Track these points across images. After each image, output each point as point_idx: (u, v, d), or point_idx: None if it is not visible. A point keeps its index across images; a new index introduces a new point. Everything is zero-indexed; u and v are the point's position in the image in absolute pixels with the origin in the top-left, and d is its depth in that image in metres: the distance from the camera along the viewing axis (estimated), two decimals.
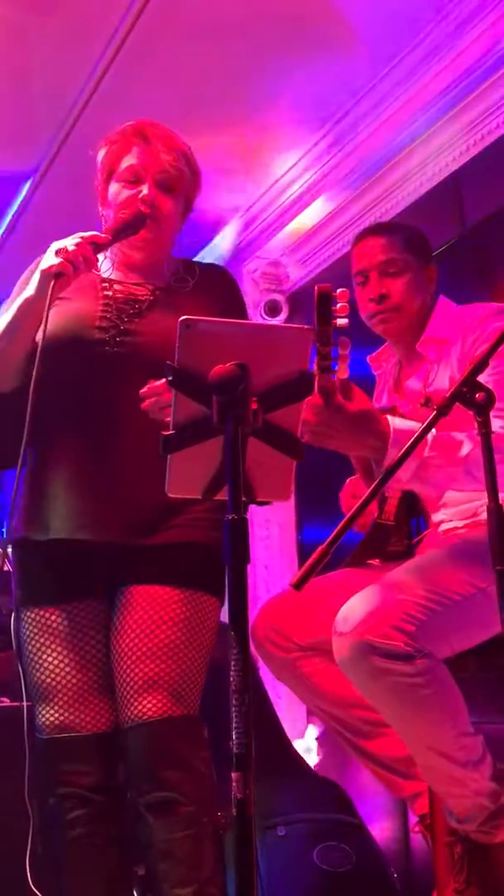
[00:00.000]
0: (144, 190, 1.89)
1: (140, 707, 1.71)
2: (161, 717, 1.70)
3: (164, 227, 1.92)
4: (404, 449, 1.48)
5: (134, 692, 1.73)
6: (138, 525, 1.79)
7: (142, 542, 1.79)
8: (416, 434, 1.49)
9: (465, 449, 1.77)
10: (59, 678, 1.80)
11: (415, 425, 1.79)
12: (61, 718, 1.80)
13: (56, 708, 1.80)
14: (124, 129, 1.95)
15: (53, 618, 1.82)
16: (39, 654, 1.82)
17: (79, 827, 1.77)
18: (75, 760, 1.79)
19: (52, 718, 1.80)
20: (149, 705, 1.71)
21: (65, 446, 1.84)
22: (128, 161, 1.92)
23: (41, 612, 1.83)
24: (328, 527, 1.48)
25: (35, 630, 1.83)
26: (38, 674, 1.82)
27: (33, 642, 1.83)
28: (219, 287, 1.98)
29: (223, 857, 1.71)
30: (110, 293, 1.91)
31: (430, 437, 1.76)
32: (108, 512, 1.79)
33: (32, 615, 1.84)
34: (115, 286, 1.93)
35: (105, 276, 1.95)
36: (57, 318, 1.82)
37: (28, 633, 1.84)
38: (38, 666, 1.82)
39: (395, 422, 1.77)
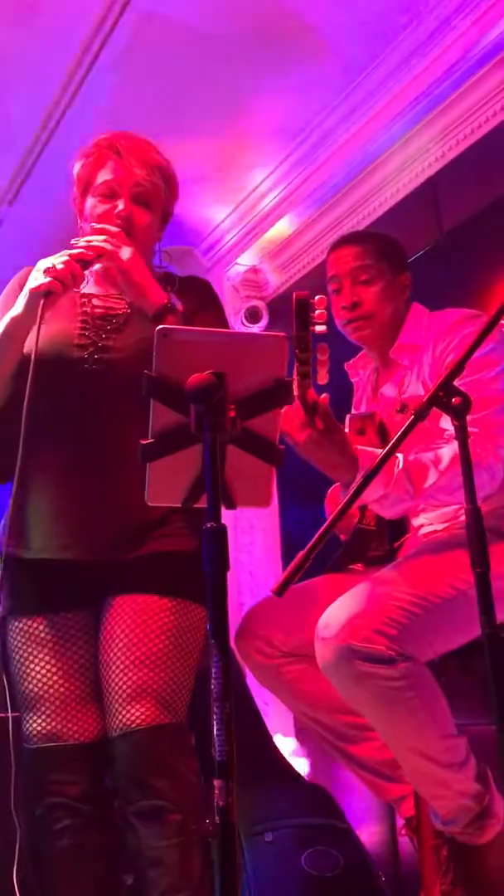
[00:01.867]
0: (120, 206, 1.90)
1: (128, 715, 1.71)
2: (149, 726, 1.70)
3: (140, 239, 1.92)
4: (364, 475, 1.54)
5: (122, 701, 1.72)
6: (123, 541, 1.79)
7: (127, 556, 1.79)
8: (385, 451, 1.54)
9: (431, 479, 1.83)
10: (45, 687, 1.81)
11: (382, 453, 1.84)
12: (48, 727, 1.79)
13: (43, 717, 1.80)
14: (98, 142, 1.96)
15: (40, 627, 1.83)
16: (26, 663, 1.82)
17: (66, 837, 1.77)
18: (62, 770, 1.79)
19: (39, 727, 1.80)
20: (137, 714, 1.71)
21: (47, 465, 1.84)
22: (103, 176, 1.93)
23: (27, 622, 1.84)
24: (313, 532, 1.50)
25: (21, 640, 1.84)
26: (25, 683, 1.82)
27: (20, 652, 1.83)
28: (193, 290, 1.98)
29: (211, 865, 1.71)
30: (88, 309, 1.91)
31: (397, 467, 1.82)
32: (91, 531, 1.80)
33: (19, 625, 1.84)
34: (94, 301, 1.93)
35: (84, 290, 1.95)
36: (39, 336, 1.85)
37: (15, 643, 1.84)
38: (25, 675, 1.82)
39: (365, 452, 1.82)
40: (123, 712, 1.72)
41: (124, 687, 1.73)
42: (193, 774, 1.74)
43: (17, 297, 1.85)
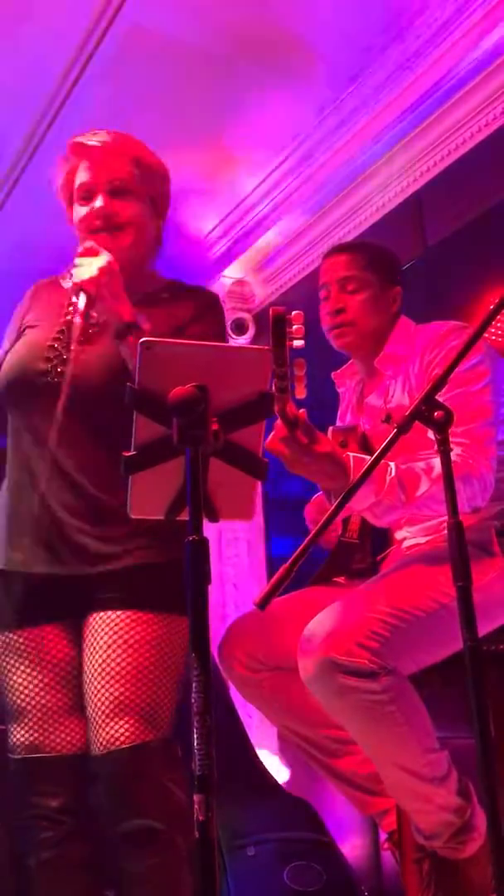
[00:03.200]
0: (97, 203, 1.88)
1: (110, 732, 1.68)
2: (132, 745, 1.67)
3: (129, 232, 1.88)
4: (356, 480, 1.54)
5: (104, 716, 1.69)
6: (92, 555, 1.76)
7: (101, 568, 1.76)
8: (370, 461, 1.53)
9: (423, 487, 1.83)
10: (27, 699, 1.79)
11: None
12: (31, 738, 1.78)
13: (25, 728, 1.79)
14: (70, 147, 1.93)
15: (21, 640, 1.81)
16: (9, 675, 1.81)
17: (48, 849, 1.74)
18: (43, 781, 1.77)
19: (21, 739, 1.78)
20: (119, 731, 1.67)
21: (18, 478, 1.85)
22: (79, 179, 1.91)
23: (8, 635, 1.83)
24: (298, 544, 1.50)
25: (3, 652, 1.83)
26: (8, 695, 1.81)
27: (3, 665, 1.82)
28: (193, 299, 1.92)
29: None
30: (69, 317, 1.86)
31: (389, 475, 1.80)
32: (58, 546, 1.78)
33: (11, 637, 1.83)
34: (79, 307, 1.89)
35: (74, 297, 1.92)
36: (18, 347, 1.87)
37: (10, 654, 1.83)
38: (8, 687, 1.81)
39: (355, 459, 1.81)
40: (106, 728, 1.68)
41: (106, 702, 1.70)
42: (181, 790, 1.70)
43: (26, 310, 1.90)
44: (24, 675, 1.80)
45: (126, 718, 1.67)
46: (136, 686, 1.69)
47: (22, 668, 1.80)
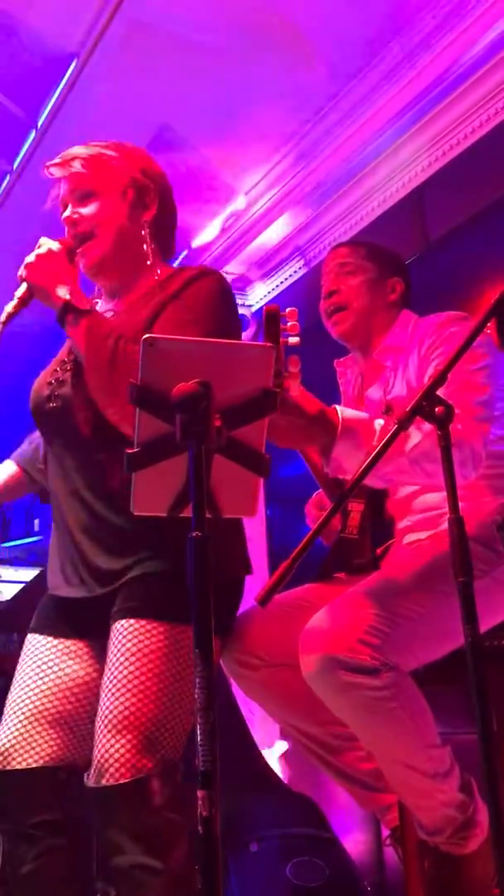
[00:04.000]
0: (66, 212, 1.86)
1: (106, 748, 1.57)
2: (116, 785, 1.54)
3: (100, 237, 1.83)
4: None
5: (104, 731, 1.59)
6: (105, 573, 1.74)
7: (114, 585, 1.72)
8: (370, 459, 1.52)
9: (413, 440, 1.77)
10: (19, 700, 1.74)
11: (362, 415, 1.81)
12: (5, 745, 1.70)
13: (6, 732, 1.72)
14: (47, 172, 1.90)
15: (38, 644, 1.80)
16: (19, 675, 1.79)
17: (27, 864, 1.66)
18: (12, 796, 1.69)
19: None
20: (112, 752, 1.56)
21: (54, 508, 1.89)
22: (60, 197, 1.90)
23: (35, 638, 1.82)
24: (300, 539, 1.50)
25: (25, 653, 1.82)
26: (10, 695, 1.78)
27: (21, 665, 1.81)
28: (180, 279, 1.81)
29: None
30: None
31: (377, 426, 1.77)
32: (80, 569, 1.78)
33: (29, 640, 1.83)
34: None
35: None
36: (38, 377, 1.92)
37: (22, 656, 1.83)
38: (13, 687, 1.79)
39: (345, 412, 1.77)
40: (104, 743, 1.58)
41: (107, 714, 1.60)
42: (176, 817, 1.57)
43: None
44: (27, 677, 1.77)
45: (125, 735, 1.57)
46: (139, 700, 1.59)
47: (28, 670, 1.78)
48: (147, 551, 1.71)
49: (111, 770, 1.56)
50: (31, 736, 1.71)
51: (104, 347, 1.66)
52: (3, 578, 3.54)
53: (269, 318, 1.58)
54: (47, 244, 1.77)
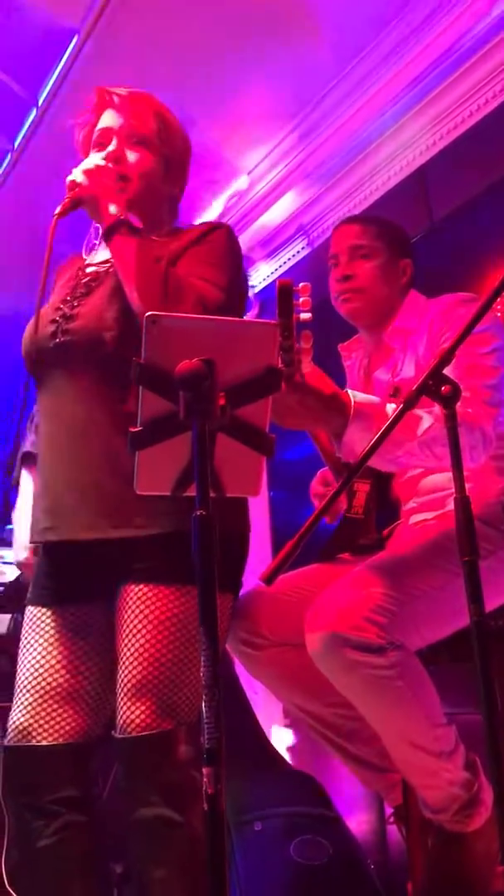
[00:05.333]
0: (111, 146, 1.85)
1: (127, 715, 1.62)
2: (144, 734, 1.60)
3: (138, 183, 1.85)
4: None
5: (123, 697, 1.63)
6: (105, 514, 1.69)
7: (121, 533, 1.68)
8: (382, 429, 1.50)
9: (425, 424, 1.77)
10: (31, 678, 1.74)
11: (374, 399, 1.80)
12: (23, 722, 1.72)
13: (21, 710, 1.73)
14: (96, 93, 1.92)
15: (43, 617, 1.78)
16: (24, 652, 1.78)
17: (44, 839, 1.67)
18: (31, 772, 1.71)
19: (15, 721, 1.73)
20: (134, 715, 1.61)
21: (41, 448, 1.84)
22: (100, 125, 1.89)
23: (35, 611, 1.80)
24: (303, 521, 1.49)
25: (27, 627, 1.80)
26: (19, 672, 1.77)
27: (24, 639, 1.79)
28: (199, 230, 1.85)
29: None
30: (79, 280, 1.86)
31: (389, 410, 1.76)
32: (70, 510, 1.73)
33: (29, 613, 1.81)
34: (89, 268, 1.88)
35: (88, 259, 1.91)
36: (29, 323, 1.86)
37: (24, 630, 1.80)
38: (21, 664, 1.77)
39: (357, 396, 1.76)
40: (124, 709, 1.63)
41: (125, 682, 1.64)
42: (198, 777, 1.56)
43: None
44: (35, 654, 1.76)
45: (142, 702, 1.61)
46: (154, 668, 1.62)
47: (36, 645, 1.76)
48: (162, 505, 1.61)
49: (134, 728, 1.61)
50: (48, 713, 1.72)
51: (157, 269, 1.69)
52: (5, 560, 3.55)
53: (283, 292, 1.56)
54: (95, 160, 1.78)
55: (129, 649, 1.65)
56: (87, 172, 1.76)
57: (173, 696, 1.63)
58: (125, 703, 1.63)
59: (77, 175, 1.76)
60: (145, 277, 1.68)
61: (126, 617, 1.67)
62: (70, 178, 1.75)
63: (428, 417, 1.76)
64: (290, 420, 1.72)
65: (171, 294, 1.65)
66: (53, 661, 1.75)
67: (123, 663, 1.65)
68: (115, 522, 1.69)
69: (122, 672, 1.65)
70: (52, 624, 1.77)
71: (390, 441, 1.70)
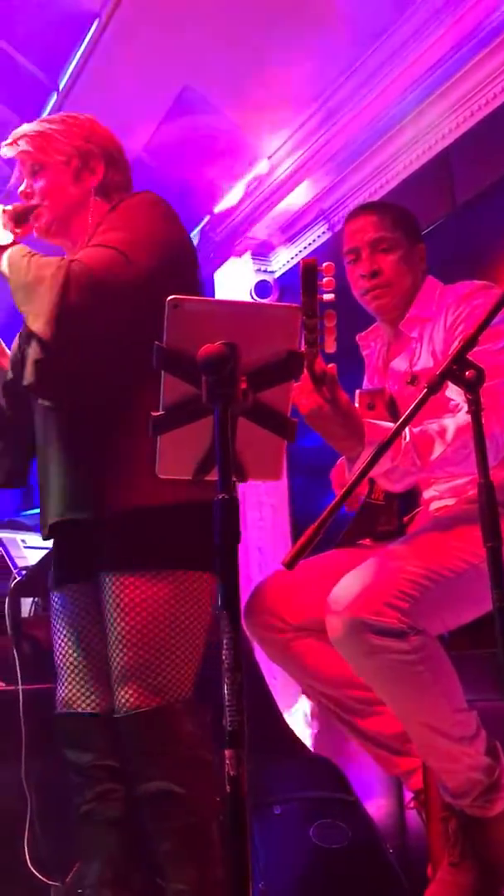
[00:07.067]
0: (21, 186, 1.98)
1: (118, 698, 1.76)
2: (134, 711, 1.72)
3: (49, 203, 1.94)
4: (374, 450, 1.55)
5: (114, 685, 1.77)
6: (80, 497, 1.81)
7: (93, 514, 1.79)
8: (398, 424, 1.52)
9: (437, 451, 1.80)
10: (62, 658, 1.90)
11: (390, 426, 1.80)
12: (65, 695, 1.87)
13: (62, 685, 1.88)
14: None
15: (57, 602, 1.94)
16: (53, 635, 1.94)
17: (85, 803, 1.81)
18: (75, 737, 1.85)
19: (60, 694, 1.88)
20: (123, 701, 1.74)
21: (39, 438, 1.97)
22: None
23: (52, 596, 1.96)
24: (323, 509, 1.49)
25: (53, 613, 1.95)
26: (53, 653, 1.93)
27: (53, 624, 1.94)
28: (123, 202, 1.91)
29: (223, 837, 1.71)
30: None
31: (405, 440, 1.79)
32: (50, 494, 1.87)
33: (51, 599, 1.96)
34: None
35: None
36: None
37: (52, 615, 1.96)
38: (53, 646, 1.93)
39: (371, 425, 1.79)
40: (117, 695, 1.76)
41: (114, 667, 1.77)
42: (200, 751, 1.73)
43: None
44: (60, 636, 1.91)
45: (128, 685, 1.74)
46: (137, 652, 1.74)
47: (59, 628, 1.92)
48: (142, 479, 1.69)
49: (126, 710, 1.74)
50: (86, 689, 1.86)
51: (21, 263, 1.79)
52: (28, 545, 3.56)
53: (307, 270, 1.55)
54: None
55: (111, 637, 1.77)
56: None
57: (157, 677, 1.74)
58: (116, 690, 1.76)
59: None
60: (14, 275, 1.80)
61: (106, 605, 1.79)
62: None
63: (440, 443, 1.81)
64: (313, 419, 1.75)
65: (33, 273, 1.74)
66: (76, 641, 1.88)
67: (110, 651, 1.78)
68: (80, 504, 1.81)
69: (111, 658, 1.78)
70: (62, 607, 1.92)
71: (399, 471, 1.81)
